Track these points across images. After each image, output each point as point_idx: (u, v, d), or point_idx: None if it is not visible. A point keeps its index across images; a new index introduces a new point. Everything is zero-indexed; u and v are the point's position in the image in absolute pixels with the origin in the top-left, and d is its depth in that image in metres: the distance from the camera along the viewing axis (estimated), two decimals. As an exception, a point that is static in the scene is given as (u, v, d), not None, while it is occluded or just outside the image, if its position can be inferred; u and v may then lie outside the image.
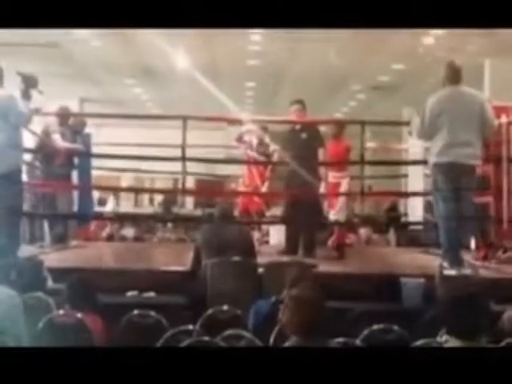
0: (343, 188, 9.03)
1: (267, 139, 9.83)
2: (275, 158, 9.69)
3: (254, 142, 9.82)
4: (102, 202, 21.12)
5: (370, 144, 10.40)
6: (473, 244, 8.58)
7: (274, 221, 12.03)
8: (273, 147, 9.73)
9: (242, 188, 10.22)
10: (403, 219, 14.60)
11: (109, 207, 21.87)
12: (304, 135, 8.96)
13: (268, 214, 10.54)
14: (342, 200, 9.04)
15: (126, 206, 23.00)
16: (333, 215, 8.97)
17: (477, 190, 7.30)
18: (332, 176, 9.01)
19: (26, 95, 6.95)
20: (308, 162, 8.75)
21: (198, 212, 21.39)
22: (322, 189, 8.80)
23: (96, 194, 19.62)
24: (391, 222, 16.84)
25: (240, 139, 9.99)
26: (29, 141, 10.00)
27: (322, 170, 8.92)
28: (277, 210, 10.50)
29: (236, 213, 9.49)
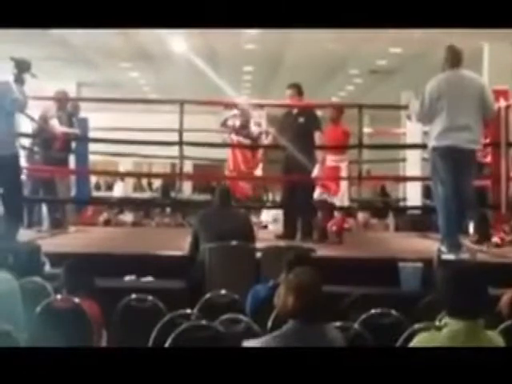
0: (343, 172, 9.01)
1: (254, 122, 9.75)
2: (267, 140, 9.64)
3: (237, 125, 9.74)
4: (98, 187, 21.17)
5: (367, 129, 10.36)
6: (471, 228, 8.57)
7: (272, 206, 12.06)
8: (260, 129, 9.67)
9: (227, 172, 10.13)
10: (401, 203, 14.60)
11: (117, 192, 21.93)
12: (301, 119, 8.95)
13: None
14: (344, 185, 9.02)
15: (126, 190, 23.02)
16: (336, 200, 8.94)
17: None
18: (330, 160, 8.99)
19: (20, 80, 6.92)
20: (305, 145, 8.74)
21: (197, 197, 21.43)
22: (319, 172, 8.78)
23: (93, 179, 19.71)
24: (387, 206, 16.90)
25: (224, 124, 9.92)
26: (27, 126, 10.01)
27: (319, 154, 8.90)
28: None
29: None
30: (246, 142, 9.76)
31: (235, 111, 9.86)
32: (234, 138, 9.77)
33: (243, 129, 9.69)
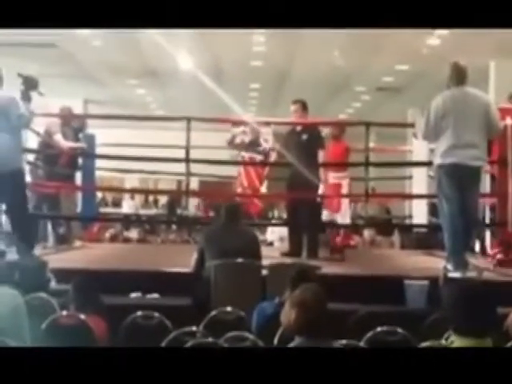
0: (344, 189, 9.03)
1: (262, 138, 9.78)
2: (272, 156, 9.67)
3: (246, 141, 9.76)
4: (105, 204, 21.17)
5: (372, 144, 10.37)
6: (477, 247, 8.56)
7: (277, 223, 12.03)
8: (268, 145, 9.69)
9: (239, 189, 10.16)
10: (407, 221, 14.57)
11: (126, 209, 21.93)
12: (305, 136, 8.95)
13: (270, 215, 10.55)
14: (345, 202, 9.04)
15: (136, 207, 23.01)
16: (338, 218, 8.96)
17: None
18: (332, 176, 9.01)
19: (26, 97, 6.93)
20: (308, 163, 8.74)
21: (202, 213, 21.41)
22: (322, 190, 8.78)
23: (99, 195, 19.74)
24: (390, 223, 16.88)
25: (232, 142, 9.94)
26: (32, 141, 10.03)
27: (322, 172, 8.91)
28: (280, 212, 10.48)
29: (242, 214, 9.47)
30: (259, 157, 9.78)
31: (243, 128, 9.88)
32: (246, 154, 9.79)
33: (254, 145, 9.72)
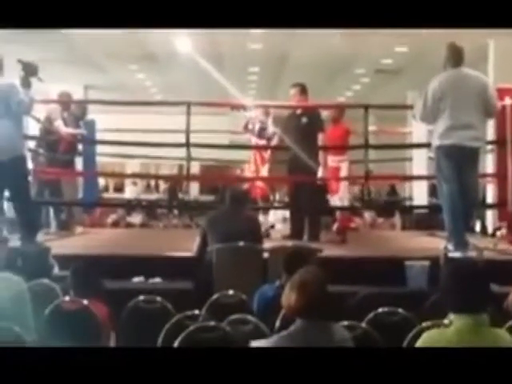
0: (343, 172, 9.04)
1: (269, 123, 9.79)
2: (275, 141, 9.68)
3: (257, 128, 9.80)
4: (106, 189, 21.16)
5: (372, 127, 10.37)
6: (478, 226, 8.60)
7: (279, 206, 12.04)
8: (272, 130, 9.70)
9: (248, 174, 10.20)
10: (407, 203, 14.61)
11: (129, 194, 21.93)
12: (304, 119, 8.95)
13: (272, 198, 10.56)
14: (344, 184, 9.05)
15: (138, 193, 23.03)
16: (336, 200, 8.98)
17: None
18: (331, 160, 9.02)
19: (26, 83, 6.92)
20: (308, 146, 8.75)
21: (204, 198, 21.45)
22: (322, 173, 8.80)
23: (102, 181, 19.75)
24: (393, 205, 16.90)
25: (246, 127, 9.99)
26: (33, 128, 10.05)
27: (321, 155, 8.92)
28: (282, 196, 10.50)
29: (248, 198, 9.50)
30: (262, 142, 9.79)
31: (251, 113, 9.91)
32: (257, 141, 9.80)
33: (263, 131, 9.75)
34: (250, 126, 9.90)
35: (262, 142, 9.80)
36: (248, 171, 10.16)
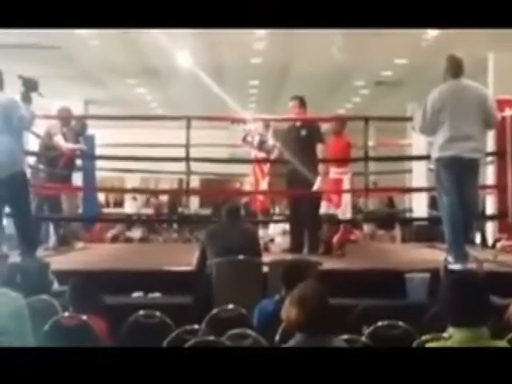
0: (346, 184, 9.03)
1: (269, 136, 9.80)
2: (275, 154, 9.69)
3: (256, 141, 9.80)
4: (107, 204, 21.11)
5: (371, 143, 10.37)
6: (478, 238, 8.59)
7: (278, 219, 12.01)
8: (272, 142, 9.71)
9: (248, 187, 10.21)
10: (407, 215, 14.58)
11: (129, 209, 21.89)
12: (304, 132, 8.97)
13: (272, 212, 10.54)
14: (346, 197, 9.04)
15: (138, 208, 22.98)
16: (339, 213, 8.96)
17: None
18: (334, 172, 9.02)
19: (27, 98, 6.93)
20: (308, 158, 8.75)
21: (204, 212, 21.42)
22: (322, 185, 8.79)
23: (102, 196, 19.74)
24: (391, 217, 16.88)
25: (245, 139, 10.00)
26: (32, 143, 10.05)
27: (321, 167, 8.92)
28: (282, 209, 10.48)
29: (243, 212, 9.49)
30: (261, 155, 9.79)
31: (250, 126, 9.92)
32: (257, 153, 9.81)
33: (263, 143, 9.76)
34: (249, 139, 9.91)
35: (262, 155, 9.80)
36: (248, 184, 10.15)
